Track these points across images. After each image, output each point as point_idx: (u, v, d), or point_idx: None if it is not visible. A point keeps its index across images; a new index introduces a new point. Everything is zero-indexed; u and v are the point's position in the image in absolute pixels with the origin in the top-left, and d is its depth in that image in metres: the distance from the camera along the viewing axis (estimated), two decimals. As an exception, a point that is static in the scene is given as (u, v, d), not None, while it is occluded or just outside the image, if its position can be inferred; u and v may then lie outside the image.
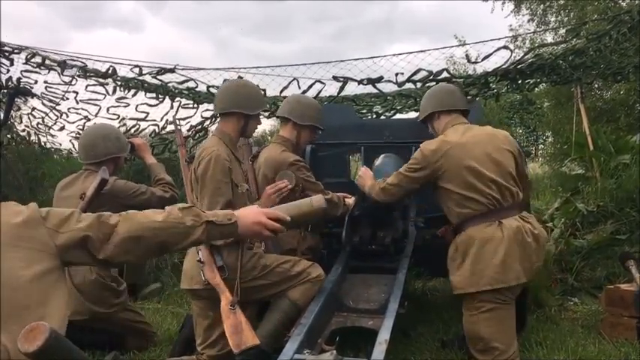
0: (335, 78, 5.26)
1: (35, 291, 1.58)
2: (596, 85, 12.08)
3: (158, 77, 6.00)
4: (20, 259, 1.58)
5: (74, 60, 6.05)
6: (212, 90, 5.92)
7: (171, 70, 5.90)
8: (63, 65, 6.00)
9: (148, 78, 6.11)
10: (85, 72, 6.14)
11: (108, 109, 6.52)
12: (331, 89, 5.55)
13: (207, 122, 7.00)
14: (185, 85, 6.09)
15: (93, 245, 1.72)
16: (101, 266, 3.12)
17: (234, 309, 2.56)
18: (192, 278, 2.84)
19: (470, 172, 2.90)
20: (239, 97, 3.00)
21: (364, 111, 6.10)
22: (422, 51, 5.18)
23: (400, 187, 3.11)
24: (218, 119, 3.28)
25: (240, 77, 5.63)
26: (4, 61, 6.06)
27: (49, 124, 7.06)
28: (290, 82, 5.49)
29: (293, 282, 2.92)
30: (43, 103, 6.74)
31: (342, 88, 5.41)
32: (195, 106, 6.66)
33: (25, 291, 1.56)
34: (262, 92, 3.25)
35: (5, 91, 6.36)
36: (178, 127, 3.52)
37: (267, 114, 6.31)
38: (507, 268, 2.79)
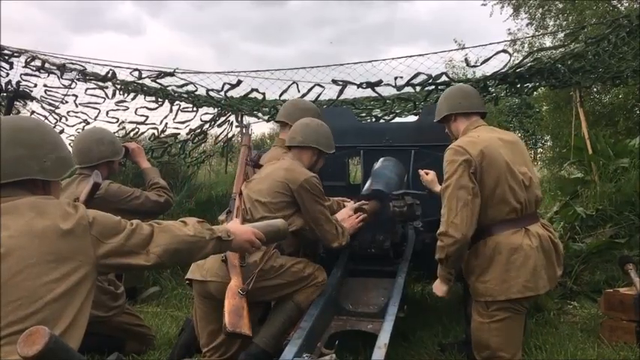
0: (334, 81, 5.26)
1: (64, 305, 1.62)
2: (595, 89, 12.11)
3: (157, 81, 6.00)
4: (59, 271, 1.62)
5: (74, 63, 6.03)
6: (211, 93, 5.92)
7: (171, 74, 5.90)
8: (62, 69, 5.99)
9: (147, 81, 6.11)
10: (85, 75, 6.13)
11: (107, 113, 6.52)
12: (330, 93, 5.56)
13: (207, 126, 7.02)
14: (184, 88, 6.09)
15: (130, 255, 1.78)
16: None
17: (242, 294, 2.56)
18: (207, 271, 2.81)
19: (508, 172, 2.76)
20: (319, 135, 3.26)
21: (363, 114, 6.11)
22: (421, 55, 5.18)
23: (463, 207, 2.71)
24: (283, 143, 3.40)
25: (239, 81, 5.64)
26: (3, 64, 6.04)
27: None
28: (289, 86, 5.49)
29: (304, 283, 2.94)
30: (43, 107, 6.72)
31: (341, 92, 5.41)
32: (195, 109, 6.67)
33: (54, 306, 1.59)
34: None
35: (4, 94, 6.36)
36: (249, 130, 3.59)
37: (266, 117, 6.33)
38: (538, 277, 2.73)
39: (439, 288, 2.97)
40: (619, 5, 13.16)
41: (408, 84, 5.13)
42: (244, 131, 3.58)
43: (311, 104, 3.91)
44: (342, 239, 3.14)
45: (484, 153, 2.75)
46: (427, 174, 3.29)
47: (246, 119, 6.39)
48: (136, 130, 6.81)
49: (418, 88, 5.42)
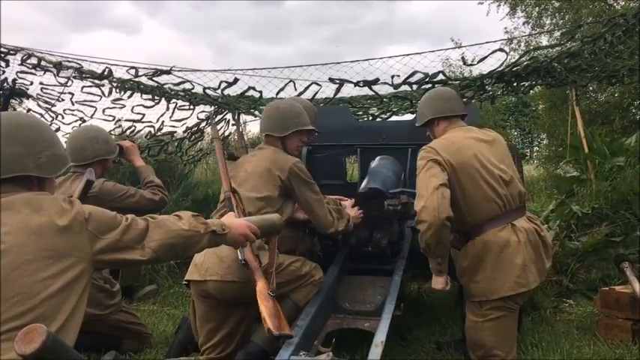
0: (331, 80, 5.27)
1: (61, 301, 1.61)
2: (591, 88, 12.17)
3: (154, 79, 5.99)
4: (55, 268, 1.62)
5: (70, 61, 6.02)
6: (208, 91, 5.91)
7: (168, 72, 5.89)
8: (59, 66, 5.98)
9: (144, 79, 6.10)
10: (81, 73, 6.12)
11: (104, 111, 6.51)
12: (327, 91, 5.57)
13: (204, 124, 7.01)
14: (181, 86, 6.08)
15: (125, 250, 1.77)
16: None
17: (272, 295, 2.53)
18: (206, 270, 2.79)
19: (483, 170, 2.80)
20: (272, 121, 3.17)
21: (360, 113, 6.12)
22: (418, 53, 5.21)
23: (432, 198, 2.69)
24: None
25: (236, 79, 5.63)
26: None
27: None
28: (286, 84, 5.50)
29: (301, 281, 2.94)
30: (39, 105, 6.70)
31: (338, 90, 5.42)
32: (192, 107, 6.66)
33: (50, 302, 1.59)
34: (300, 111, 3.19)
35: (0, 92, 6.34)
36: (214, 122, 3.52)
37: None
38: (528, 271, 2.75)
39: (436, 281, 2.91)
40: (615, 4, 13.20)
41: (404, 82, 5.14)
42: (214, 123, 3.49)
43: (307, 102, 3.91)
44: (339, 224, 3.10)
45: (455, 154, 2.81)
46: None
47: (244, 117, 6.40)
48: (133, 128, 6.80)
49: (415, 87, 5.42)
